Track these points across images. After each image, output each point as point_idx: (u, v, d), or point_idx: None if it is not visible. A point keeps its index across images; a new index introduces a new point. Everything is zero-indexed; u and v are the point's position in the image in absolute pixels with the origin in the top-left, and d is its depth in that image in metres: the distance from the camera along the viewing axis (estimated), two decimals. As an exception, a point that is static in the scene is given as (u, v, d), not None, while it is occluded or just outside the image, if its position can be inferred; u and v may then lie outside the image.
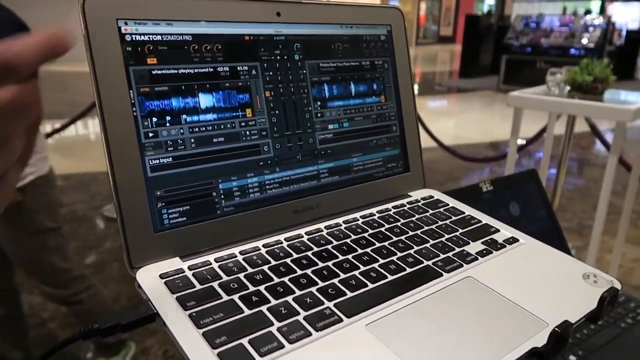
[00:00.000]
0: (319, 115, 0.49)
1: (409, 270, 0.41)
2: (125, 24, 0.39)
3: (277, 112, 0.47)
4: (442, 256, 0.43)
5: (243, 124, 0.44)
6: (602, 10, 8.94)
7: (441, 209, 0.52)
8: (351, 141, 0.52)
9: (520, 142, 3.12)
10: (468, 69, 8.02)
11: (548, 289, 0.40)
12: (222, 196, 0.43)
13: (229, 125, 0.44)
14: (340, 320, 0.34)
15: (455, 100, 7.13)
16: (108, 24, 0.38)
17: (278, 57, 0.47)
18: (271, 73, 0.46)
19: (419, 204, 0.53)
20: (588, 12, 8.04)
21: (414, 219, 0.49)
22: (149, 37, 0.40)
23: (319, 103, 0.49)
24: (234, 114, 0.44)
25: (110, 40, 0.38)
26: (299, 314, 0.34)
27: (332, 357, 0.31)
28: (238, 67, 0.44)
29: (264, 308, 0.35)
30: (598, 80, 1.94)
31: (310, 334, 0.33)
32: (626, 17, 7.59)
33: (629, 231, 2.93)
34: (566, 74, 2.03)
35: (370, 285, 0.38)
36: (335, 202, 0.50)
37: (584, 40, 6.09)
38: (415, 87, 8.08)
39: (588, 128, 2.95)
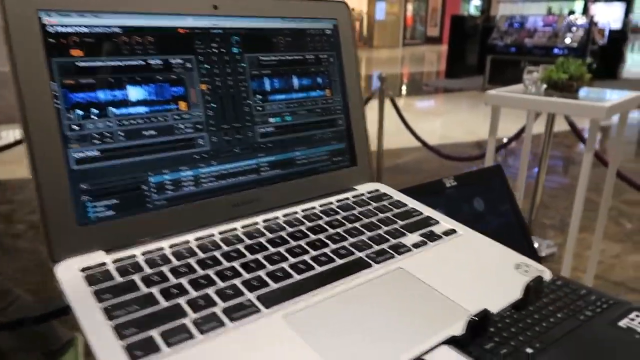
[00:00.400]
0: (259, 108, 0.49)
1: (339, 261, 0.41)
2: (48, 15, 0.39)
3: (214, 105, 0.46)
4: (376, 248, 0.43)
5: (177, 117, 0.44)
6: (585, 11, 9.04)
7: (385, 202, 0.52)
8: (294, 135, 0.52)
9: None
10: (454, 69, 8.06)
11: (477, 279, 0.40)
12: (154, 190, 0.43)
13: (161, 119, 0.43)
14: (258, 311, 0.34)
15: (442, 101, 7.16)
16: (29, 15, 0.38)
17: (215, 51, 0.47)
18: (208, 66, 0.46)
19: (364, 197, 0.53)
20: (571, 12, 8.13)
21: (354, 211, 0.49)
22: (73, 29, 0.40)
23: (259, 96, 0.49)
24: (167, 107, 0.44)
25: (31, 32, 0.38)
26: (216, 305, 0.34)
27: (242, 347, 0.31)
28: (171, 60, 0.44)
29: (182, 300, 0.34)
30: (573, 78, 1.96)
31: (223, 325, 0.32)
32: (608, 17, 7.68)
33: (611, 228, 2.97)
34: (543, 73, 2.05)
35: (297, 277, 0.38)
36: (278, 196, 0.50)
37: (567, 40, 6.15)
38: (403, 87, 8.11)
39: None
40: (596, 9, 8.59)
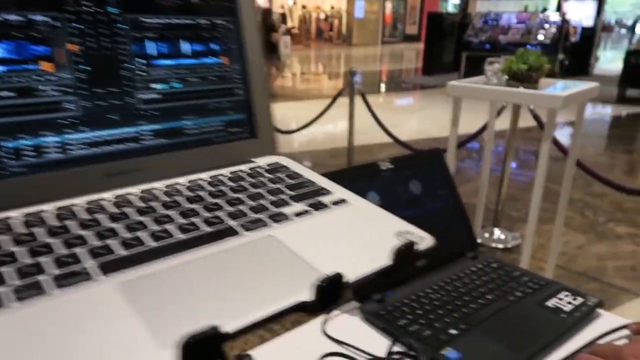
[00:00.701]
0: (141, 73, 0.46)
1: (205, 230, 0.38)
2: None
3: (86, 67, 0.43)
4: (252, 217, 0.41)
5: (39, 78, 0.41)
6: (559, 8, 9.16)
7: (280, 174, 0.49)
8: (183, 102, 0.49)
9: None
10: (430, 67, 8.11)
11: (352, 246, 0.38)
12: (11, 156, 0.39)
13: (19, 79, 0.40)
14: (89, 278, 0.31)
15: (419, 97, 7.20)
16: None
17: (88, 9, 0.43)
18: (79, 26, 0.43)
19: (259, 169, 0.50)
20: (544, 10, 8.23)
21: (243, 182, 0.47)
22: None
23: (142, 61, 0.46)
24: (27, 66, 0.40)
25: None
26: (44, 272, 0.31)
27: (59, 314, 0.28)
28: (31, 17, 0.41)
29: (8, 269, 0.31)
30: (533, 69, 1.97)
31: (45, 292, 0.29)
32: (581, 15, 7.80)
33: (576, 219, 3.00)
34: (503, 63, 2.06)
35: (152, 245, 0.35)
36: (163, 167, 0.47)
37: (540, 37, 6.23)
38: (382, 84, 8.13)
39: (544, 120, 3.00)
40: (569, 7, 8.72)
